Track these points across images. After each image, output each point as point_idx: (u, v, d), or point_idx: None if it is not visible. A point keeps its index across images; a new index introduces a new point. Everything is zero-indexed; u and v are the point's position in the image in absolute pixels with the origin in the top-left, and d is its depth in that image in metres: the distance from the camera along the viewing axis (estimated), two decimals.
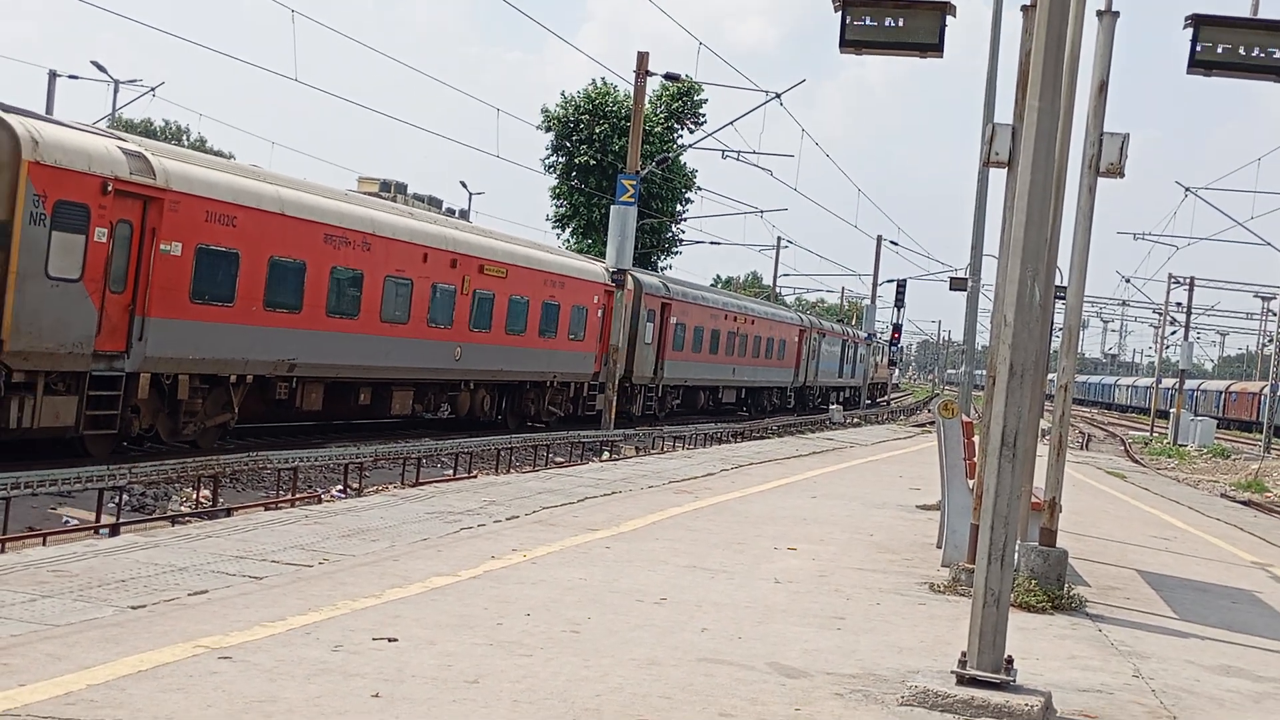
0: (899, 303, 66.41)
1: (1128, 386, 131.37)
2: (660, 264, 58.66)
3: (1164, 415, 71.99)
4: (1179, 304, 69.45)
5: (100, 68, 50.68)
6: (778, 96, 35.07)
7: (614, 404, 33.17)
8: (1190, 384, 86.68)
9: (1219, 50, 10.29)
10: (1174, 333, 74.60)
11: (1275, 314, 70.84)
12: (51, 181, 17.02)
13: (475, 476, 19.67)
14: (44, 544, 11.60)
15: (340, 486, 18.98)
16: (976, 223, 19.45)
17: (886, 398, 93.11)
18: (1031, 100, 6.51)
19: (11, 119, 16.90)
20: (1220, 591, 11.57)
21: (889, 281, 69.16)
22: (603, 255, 36.34)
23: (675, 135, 56.07)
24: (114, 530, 13.27)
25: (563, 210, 56.27)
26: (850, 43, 9.90)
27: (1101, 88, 9.99)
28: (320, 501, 16.13)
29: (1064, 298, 11.05)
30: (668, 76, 38.78)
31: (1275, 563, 14.27)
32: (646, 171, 40.58)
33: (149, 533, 10.69)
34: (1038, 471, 10.76)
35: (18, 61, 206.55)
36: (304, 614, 7.00)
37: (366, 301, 24.49)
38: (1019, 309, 6.42)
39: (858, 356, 72.40)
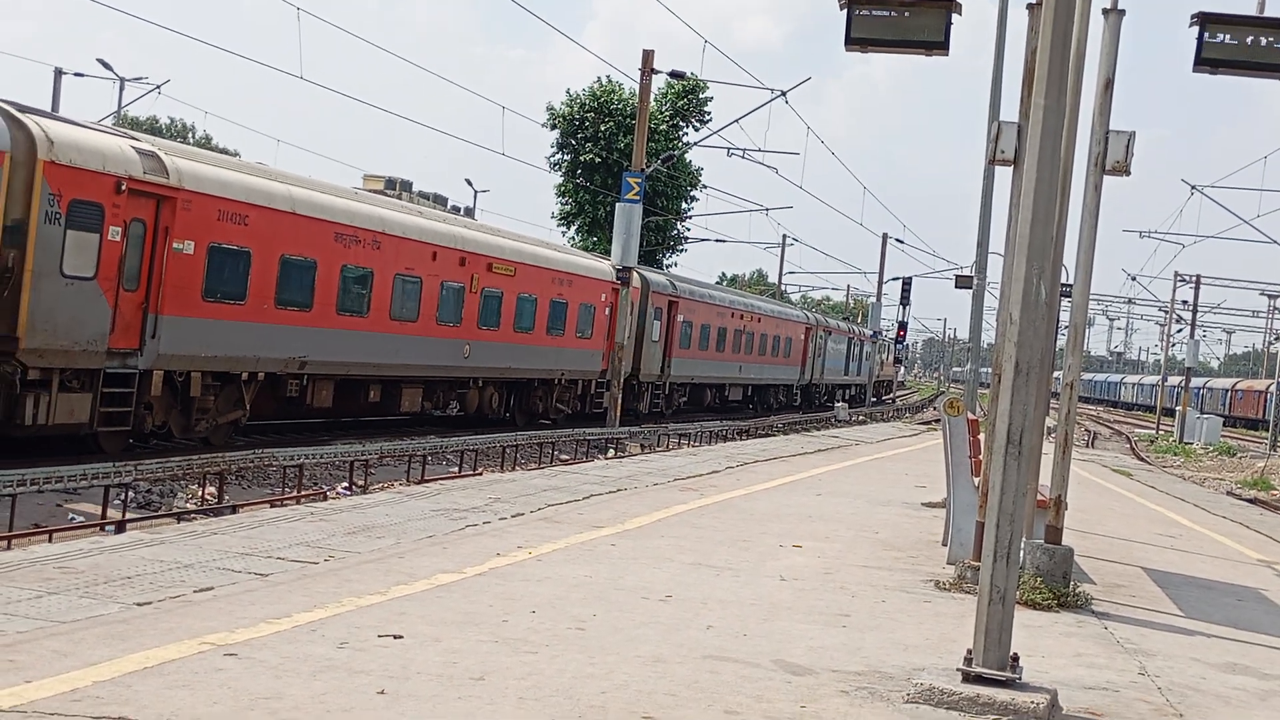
0: (904, 300, 66.41)
1: (1134, 384, 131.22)
2: (665, 262, 58.63)
3: (1170, 413, 71.99)
4: (1185, 302, 69.46)
5: (106, 65, 50.72)
6: (783, 94, 35.05)
7: (619, 401, 33.16)
8: (1196, 382, 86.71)
9: (1225, 48, 10.27)
10: (1180, 330, 74.62)
11: None
12: (66, 181, 17.14)
13: (481, 474, 19.70)
14: (50, 541, 11.61)
15: (346, 483, 19.00)
16: (982, 220, 19.41)
17: (892, 395, 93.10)
18: (1037, 98, 6.51)
19: (27, 119, 17.04)
20: (1226, 589, 11.56)
21: (894, 279, 69.20)
22: (608, 253, 36.34)
23: (680, 133, 56.04)
24: (120, 527, 13.30)
25: (568, 208, 56.27)
26: (856, 40, 9.89)
27: (1107, 85, 9.97)
28: (326, 498, 16.15)
29: (1070, 295, 11.05)
30: (673, 74, 38.78)
31: None
32: (652, 169, 40.56)
33: (155, 530, 10.71)
34: (1043, 469, 10.76)
35: (22, 59, 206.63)
36: (310, 611, 7.01)
37: (376, 300, 24.59)
38: (1025, 307, 6.42)
39: (863, 354, 72.39)
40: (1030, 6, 10.01)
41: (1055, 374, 36.24)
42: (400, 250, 25.22)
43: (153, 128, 77.59)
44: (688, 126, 56.70)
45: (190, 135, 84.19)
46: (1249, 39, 10.15)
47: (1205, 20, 10.22)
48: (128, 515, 14.46)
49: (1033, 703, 6.07)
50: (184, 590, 7.32)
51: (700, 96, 56.39)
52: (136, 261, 18.60)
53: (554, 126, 55.40)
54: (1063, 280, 15.76)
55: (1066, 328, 10.86)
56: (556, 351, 32.63)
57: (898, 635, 7.84)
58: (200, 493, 16.75)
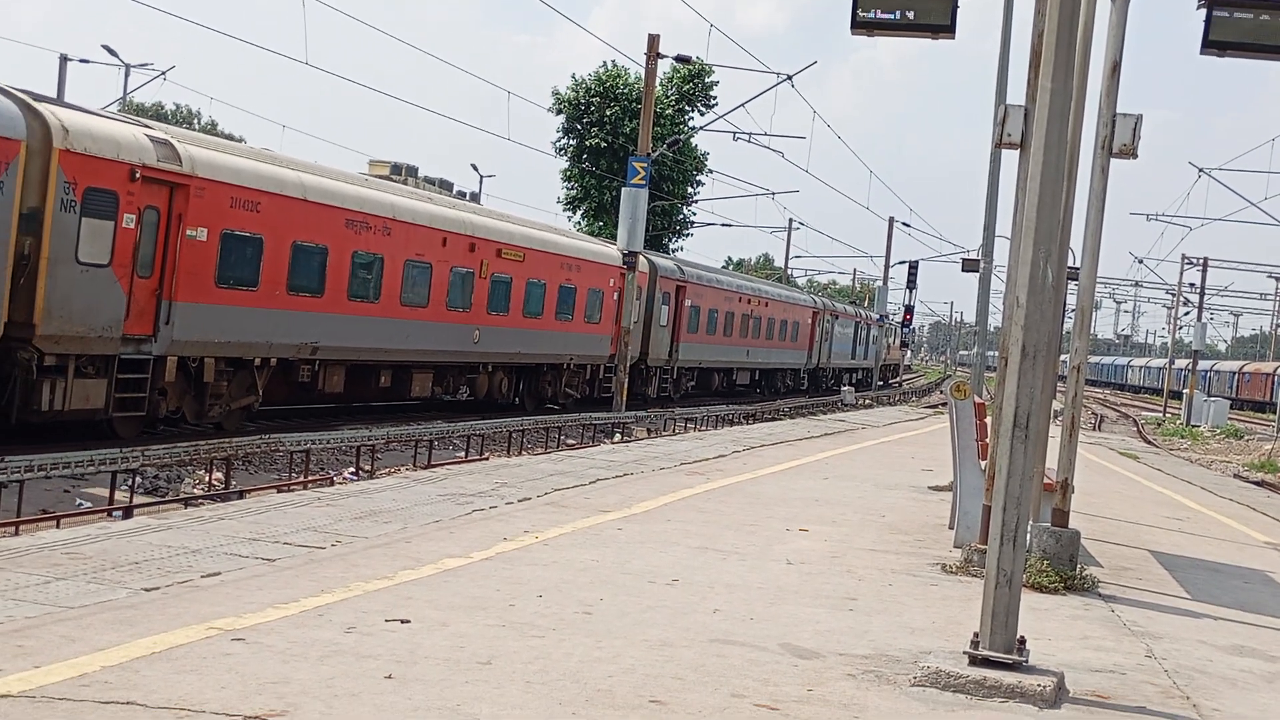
0: (911, 284, 66.22)
1: (1141, 367, 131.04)
2: (671, 246, 58.63)
3: (1177, 396, 71.86)
4: (1192, 285, 69.25)
5: (111, 51, 50.73)
6: (789, 78, 34.97)
7: (625, 386, 33.17)
8: (1203, 365, 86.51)
9: (1232, 31, 10.24)
10: (1187, 313, 74.39)
11: None
12: (81, 169, 17.28)
13: (487, 458, 19.71)
14: (58, 526, 11.65)
15: (353, 468, 19.04)
16: (989, 204, 19.39)
17: (899, 379, 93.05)
18: (1044, 81, 6.49)
19: (42, 108, 17.21)
20: (1233, 572, 11.56)
21: (901, 263, 68.93)
22: (613, 238, 36.35)
23: (686, 117, 56.01)
24: (127, 513, 13.32)
25: (574, 193, 56.26)
26: (862, 24, 9.88)
27: (1114, 68, 9.94)
28: (333, 484, 16.18)
29: (1077, 279, 11.03)
30: (679, 59, 38.73)
31: None
32: (658, 154, 40.53)
33: (162, 515, 10.73)
34: (1050, 452, 10.75)
35: (27, 45, 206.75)
36: (317, 596, 7.03)
37: (387, 285, 24.71)
38: (1031, 290, 6.41)
39: (870, 338, 72.35)
40: None
41: (1062, 357, 36.20)
42: (410, 236, 25.30)
43: (158, 114, 77.61)
44: (693, 111, 56.68)
45: (196, 121, 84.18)
46: (1256, 22, 10.12)
47: (1212, 3, 10.19)
48: (135, 501, 14.48)
49: (1039, 685, 6.08)
50: (191, 575, 7.33)
51: (706, 81, 56.35)
52: (150, 248, 18.78)
53: (560, 111, 55.37)
54: (1070, 263, 15.74)
55: (1073, 311, 10.86)
56: (565, 336, 32.70)
57: (904, 619, 7.84)
58: (207, 478, 16.78)
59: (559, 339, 32.44)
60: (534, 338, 31.03)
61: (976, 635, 6.34)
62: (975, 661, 6.26)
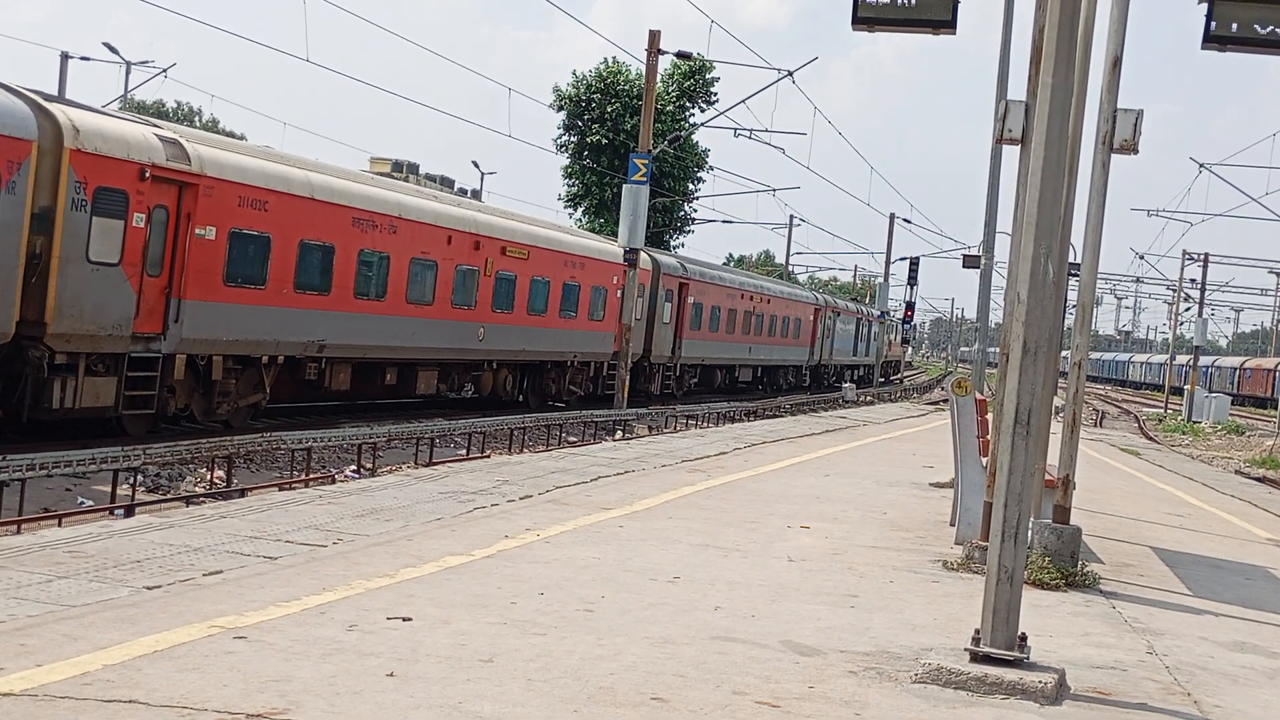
0: (912, 280, 66.28)
1: (1142, 363, 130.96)
2: (672, 243, 58.59)
3: (1178, 392, 71.80)
4: (1193, 280, 69.18)
5: (112, 49, 50.70)
6: (790, 74, 34.95)
7: (626, 383, 33.17)
8: (1204, 360, 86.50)
9: (1234, 26, 10.24)
10: (1188, 309, 74.39)
11: None
12: (92, 168, 17.37)
13: (489, 456, 19.72)
14: (60, 525, 11.65)
15: (354, 467, 19.04)
16: (989, 200, 19.39)
17: (900, 376, 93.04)
18: (1045, 76, 6.48)
19: (53, 108, 17.33)
20: (1234, 568, 11.56)
21: (902, 259, 68.97)
22: (615, 235, 36.36)
23: (687, 114, 55.96)
24: (129, 511, 13.33)
25: (575, 189, 56.23)
26: (863, 19, 9.87)
27: (1115, 63, 9.93)
28: (334, 482, 16.18)
29: (1078, 275, 11.02)
30: (679, 55, 38.70)
31: None
32: (658, 150, 40.52)
33: (164, 513, 10.74)
34: (1051, 449, 10.75)
35: (29, 43, 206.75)
36: (318, 594, 7.03)
37: (393, 283, 24.81)
38: (1032, 286, 6.41)
39: (871, 335, 72.34)
40: None
41: (1063, 353, 36.21)
42: (416, 234, 25.39)
43: (159, 111, 77.52)
44: (694, 107, 56.62)
45: (197, 118, 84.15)
46: (1257, 17, 10.11)
47: None
48: (137, 499, 14.49)
49: (1041, 682, 6.08)
50: (193, 574, 7.34)
51: (707, 77, 56.29)
52: (160, 247, 18.90)
53: (560, 108, 55.33)
54: (1070, 259, 15.75)
55: (1074, 307, 10.86)
56: (569, 334, 32.77)
57: (906, 615, 7.84)
58: (209, 476, 16.80)
59: (563, 336, 32.49)
60: (538, 335, 31.08)
61: (978, 632, 6.34)
62: (976, 658, 6.26)
